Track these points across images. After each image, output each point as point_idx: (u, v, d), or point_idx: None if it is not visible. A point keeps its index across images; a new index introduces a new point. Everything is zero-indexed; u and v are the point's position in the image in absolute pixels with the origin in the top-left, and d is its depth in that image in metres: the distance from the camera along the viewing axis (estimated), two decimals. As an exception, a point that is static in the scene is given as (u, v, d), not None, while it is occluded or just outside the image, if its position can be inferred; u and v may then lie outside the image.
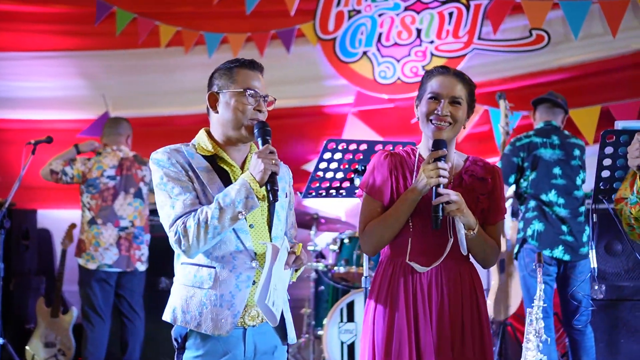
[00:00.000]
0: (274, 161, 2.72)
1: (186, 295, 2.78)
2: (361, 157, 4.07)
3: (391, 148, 4.14)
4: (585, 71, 7.03)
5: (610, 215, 2.99)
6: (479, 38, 7.30)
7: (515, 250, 5.45)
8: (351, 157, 4.07)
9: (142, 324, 6.04)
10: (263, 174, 2.70)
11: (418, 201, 2.92)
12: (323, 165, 4.10)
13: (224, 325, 2.73)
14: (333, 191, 4.25)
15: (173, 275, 2.90)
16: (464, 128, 3.00)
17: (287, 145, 7.45)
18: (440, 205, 2.82)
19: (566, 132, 5.62)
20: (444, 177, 2.83)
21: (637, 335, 5.40)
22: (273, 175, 2.72)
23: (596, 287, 5.50)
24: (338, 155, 4.05)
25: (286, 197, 2.98)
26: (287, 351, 2.96)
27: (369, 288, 3.13)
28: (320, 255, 6.56)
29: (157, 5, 7.98)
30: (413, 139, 7.05)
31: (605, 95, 6.77)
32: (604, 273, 5.49)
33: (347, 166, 4.10)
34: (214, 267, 2.77)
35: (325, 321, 5.78)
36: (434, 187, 2.84)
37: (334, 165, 4.09)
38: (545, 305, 4.80)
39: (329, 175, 4.15)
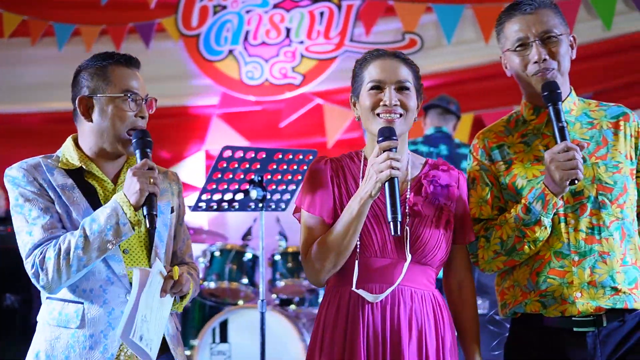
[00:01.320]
0: (152, 180, 2.39)
1: (51, 337, 2.48)
2: (258, 166, 3.90)
3: (290, 157, 3.92)
4: (458, 77, 7.11)
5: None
6: (351, 40, 7.31)
7: None
8: (247, 166, 3.87)
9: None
10: (139, 195, 2.37)
11: (368, 208, 2.44)
12: (217, 175, 3.89)
13: None
14: (225, 204, 4.06)
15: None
16: (416, 119, 2.55)
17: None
18: (398, 206, 2.34)
19: (457, 140, 5.57)
20: (396, 168, 2.35)
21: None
22: (151, 196, 2.39)
23: (479, 302, 5.39)
24: (234, 164, 3.86)
25: (172, 212, 2.68)
26: None
27: (314, 322, 2.66)
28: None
29: None
30: (282, 144, 7.08)
31: (478, 102, 6.82)
32: (487, 287, 5.38)
33: (242, 176, 3.91)
34: (82, 303, 2.48)
35: (195, 342, 5.47)
36: (387, 184, 2.36)
37: (228, 175, 3.90)
38: None
39: (223, 186, 3.95)
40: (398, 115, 2.46)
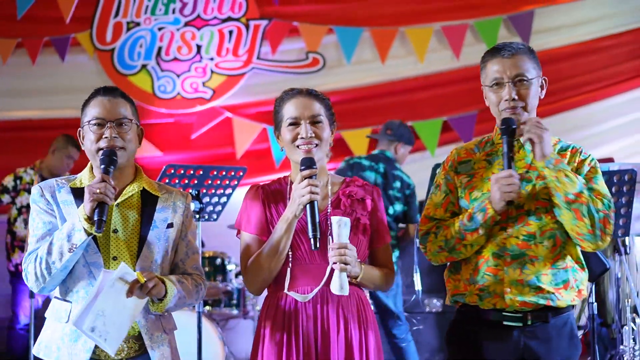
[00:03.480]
0: (99, 190, 2.64)
1: (51, 329, 2.81)
2: (196, 181, 4.20)
3: (224, 173, 4.28)
4: (357, 95, 7.52)
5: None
6: (258, 57, 7.62)
7: None
8: (186, 182, 4.17)
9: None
10: (88, 206, 2.63)
11: (294, 225, 2.80)
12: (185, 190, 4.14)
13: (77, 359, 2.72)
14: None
15: None
16: (331, 145, 2.92)
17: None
18: (317, 224, 2.71)
19: (397, 165, 5.88)
20: (315, 193, 2.73)
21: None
22: (101, 205, 2.64)
23: (425, 301, 5.90)
24: (175, 181, 4.15)
25: (171, 227, 2.88)
26: None
27: (257, 323, 3.00)
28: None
29: None
30: (193, 154, 7.30)
31: (376, 119, 7.12)
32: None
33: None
34: (70, 302, 2.76)
35: None
36: (307, 206, 2.74)
37: None
38: None
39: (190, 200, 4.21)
40: (314, 146, 2.80)
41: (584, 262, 2.92)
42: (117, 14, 7.60)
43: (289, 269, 2.83)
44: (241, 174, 4.27)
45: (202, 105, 7.58)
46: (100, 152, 2.77)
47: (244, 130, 7.51)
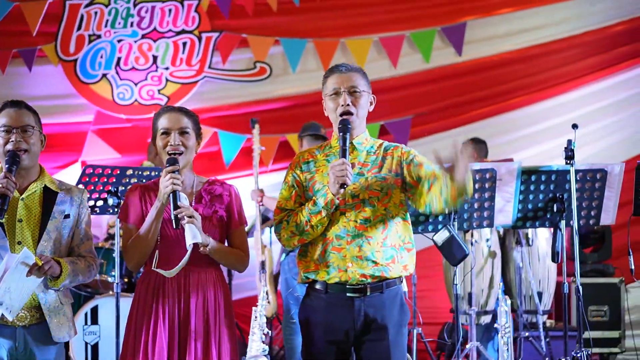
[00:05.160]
0: (1, 184, 3.12)
1: None
2: (114, 180, 4.73)
3: (140, 173, 4.80)
4: (301, 101, 7.93)
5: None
6: (210, 67, 7.97)
7: (282, 257, 6.03)
8: (105, 180, 4.70)
9: None
10: None
11: (162, 212, 3.29)
12: (81, 186, 4.59)
13: None
14: (89, 209, 4.80)
15: None
16: (196, 152, 3.43)
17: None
18: (178, 207, 3.20)
19: None
20: (177, 185, 3.21)
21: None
22: (3, 197, 3.12)
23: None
24: (94, 179, 4.69)
25: (67, 217, 3.36)
26: (68, 347, 3.40)
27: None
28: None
29: None
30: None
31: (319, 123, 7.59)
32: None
33: (101, 188, 4.72)
34: None
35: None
36: (171, 195, 3.22)
37: (90, 187, 4.71)
38: None
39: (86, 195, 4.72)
40: (181, 152, 3.34)
41: (412, 244, 3.36)
42: (79, 28, 7.90)
43: (157, 251, 3.34)
44: (156, 173, 4.75)
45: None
46: (7, 153, 3.25)
47: None
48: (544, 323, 6.13)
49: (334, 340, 3.29)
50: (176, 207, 3.23)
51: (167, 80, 7.98)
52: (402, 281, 3.38)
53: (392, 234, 3.29)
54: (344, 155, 3.18)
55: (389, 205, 3.29)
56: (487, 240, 5.89)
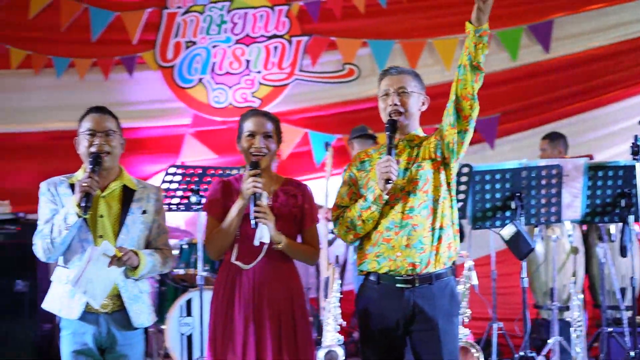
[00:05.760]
0: (86, 184, 3.31)
1: (55, 289, 3.52)
2: (196, 179, 4.94)
3: (220, 172, 4.97)
4: None
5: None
6: (300, 70, 8.10)
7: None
8: (188, 179, 4.94)
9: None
10: (79, 194, 3.32)
11: (243, 211, 3.46)
12: (165, 185, 4.96)
13: (73, 311, 3.43)
14: (174, 206, 5.10)
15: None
16: (278, 157, 3.71)
17: (134, 160, 7.88)
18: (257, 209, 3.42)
19: None
20: (258, 187, 3.41)
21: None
22: (87, 194, 3.32)
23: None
24: (178, 178, 4.93)
25: (144, 213, 3.57)
26: (147, 332, 3.63)
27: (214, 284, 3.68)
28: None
29: (8, 30, 8.34)
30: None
31: None
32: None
33: (184, 186, 4.96)
34: (68, 268, 3.47)
35: (167, 316, 6.23)
36: (252, 196, 3.41)
37: (174, 185, 4.95)
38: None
39: (171, 193, 4.96)
40: (263, 155, 3.55)
41: (457, 225, 3.45)
42: (176, 35, 8.17)
43: (236, 245, 3.56)
44: (235, 172, 4.84)
45: (251, 113, 8.21)
46: (91, 155, 3.46)
47: (288, 135, 7.04)
48: (630, 318, 6.10)
49: (386, 329, 3.41)
50: (256, 208, 3.44)
51: (259, 83, 8.15)
52: (453, 272, 3.49)
53: (437, 216, 3.39)
54: (389, 153, 3.33)
55: (430, 190, 3.39)
56: (569, 236, 5.90)
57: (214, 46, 8.25)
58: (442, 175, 3.43)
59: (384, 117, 3.47)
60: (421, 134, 3.52)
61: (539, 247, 5.78)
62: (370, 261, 3.44)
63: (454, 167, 3.47)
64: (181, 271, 6.55)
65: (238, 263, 3.55)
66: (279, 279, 3.58)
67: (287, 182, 3.71)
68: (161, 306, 6.76)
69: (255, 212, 3.43)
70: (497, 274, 5.92)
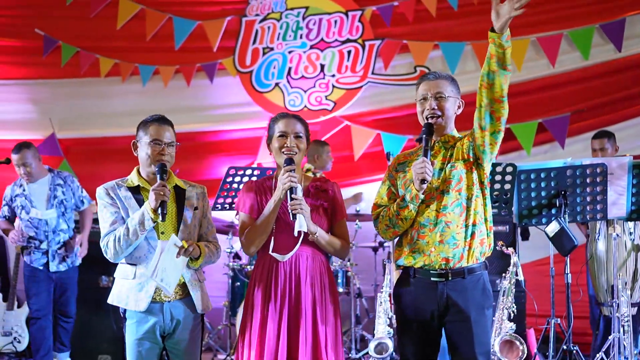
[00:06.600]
0: (162, 193, 3.54)
1: (120, 284, 3.73)
2: (255, 178, 5.08)
3: (271, 173, 5.14)
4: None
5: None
6: (373, 73, 8.24)
7: None
8: (246, 179, 5.17)
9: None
10: (155, 202, 3.54)
11: (279, 205, 3.62)
12: (226, 185, 5.17)
13: (141, 303, 3.67)
14: (234, 205, 5.17)
15: (112, 274, 3.82)
16: (306, 156, 3.79)
17: (214, 161, 8.26)
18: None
19: None
20: (294, 182, 3.56)
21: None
22: (162, 202, 3.55)
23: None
24: (237, 179, 5.14)
25: (196, 209, 3.80)
26: (203, 319, 3.84)
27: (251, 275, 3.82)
28: (236, 256, 7.17)
29: (98, 41, 8.75)
30: None
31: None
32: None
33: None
34: (135, 265, 3.70)
35: (238, 310, 6.54)
36: (288, 191, 3.58)
37: (235, 185, 5.15)
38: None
39: (232, 193, 5.17)
40: (294, 153, 3.69)
41: (491, 222, 3.56)
42: (254, 41, 8.46)
43: (272, 238, 3.72)
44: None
45: (325, 115, 8.27)
46: (158, 164, 3.68)
47: (361, 136, 8.14)
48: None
49: (421, 320, 3.55)
50: (292, 200, 3.61)
51: (333, 86, 8.32)
52: (486, 267, 3.61)
53: (470, 214, 3.51)
54: (425, 155, 3.45)
55: (463, 189, 3.50)
56: (631, 234, 5.94)
57: (290, 51, 8.46)
58: (475, 175, 3.54)
59: (421, 120, 3.60)
60: (456, 134, 3.65)
61: (601, 245, 5.85)
62: (407, 256, 3.58)
63: (487, 167, 3.57)
64: (249, 267, 6.77)
65: (275, 255, 3.70)
66: (313, 270, 3.73)
67: (316, 179, 3.89)
68: (234, 301, 7.07)
69: (293, 204, 3.59)
70: (555, 273, 6.01)
